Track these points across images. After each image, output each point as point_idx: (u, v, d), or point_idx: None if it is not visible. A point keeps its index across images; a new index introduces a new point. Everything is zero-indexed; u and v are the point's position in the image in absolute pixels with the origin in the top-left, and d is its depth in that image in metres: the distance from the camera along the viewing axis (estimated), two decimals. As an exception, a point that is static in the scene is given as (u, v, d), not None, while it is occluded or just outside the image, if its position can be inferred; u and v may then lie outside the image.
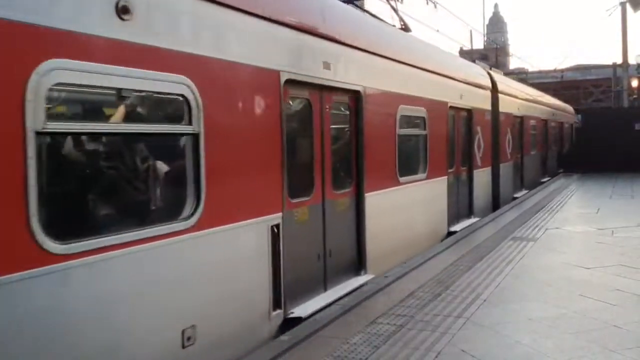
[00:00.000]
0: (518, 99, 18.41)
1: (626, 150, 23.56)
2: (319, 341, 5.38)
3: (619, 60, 34.36)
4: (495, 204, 15.22)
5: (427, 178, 10.17)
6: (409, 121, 9.58)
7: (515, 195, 17.42)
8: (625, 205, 15.23)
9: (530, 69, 54.56)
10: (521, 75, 42.44)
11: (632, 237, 10.30)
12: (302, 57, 6.37)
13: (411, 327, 5.70)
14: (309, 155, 6.74)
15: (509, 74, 37.03)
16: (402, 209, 9.07)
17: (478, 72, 14.78)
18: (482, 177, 13.95)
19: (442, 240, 10.65)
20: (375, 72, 8.19)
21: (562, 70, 51.22)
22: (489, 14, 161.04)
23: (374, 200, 7.92)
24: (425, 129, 10.11)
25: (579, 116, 28.86)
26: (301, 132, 6.83)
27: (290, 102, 6.35)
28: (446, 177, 11.30)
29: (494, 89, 15.24)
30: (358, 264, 7.74)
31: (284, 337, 5.46)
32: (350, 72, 7.44)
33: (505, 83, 17.28)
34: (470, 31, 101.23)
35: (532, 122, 20.52)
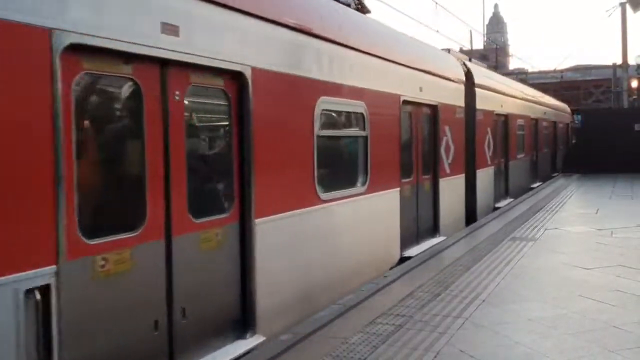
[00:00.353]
0: (502, 94, 16.28)
1: (626, 151, 23.59)
2: (317, 341, 5.37)
3: (619, 61, 34.37)
4: (471, 217, 12.94)
5: (368, 192, 7.86)
6: (337, 119, 7.53)
7: (497, 205, 15.23)
8: (625, 205, 15.22)
9: (530, 70, 54.68)
10: (521, 76, 42.45)
11: (632, 238, 10.30)
12: (110, 9, 4.02)
13: (410, 327, 5.69)
14: (135, 168, 4.43)
15: (508, 74, 37.06)
16: (325, 236, 6.77)
17: (447, 62, 12.33)
18: (451, 186, 11.52)
19: (392, 269, 8.47)
20: (275, 48, 5.92)
21: (562, 71, 51.27)
22: (489, 14, 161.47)
23: (271, 228, 5.68)
24: (364, 129, 7.83)
25: (579, 116, 28.84)
26: (117, 130, 4.52)
27: (87, 82, 4.07)
28: (399, 189, 8.99)
29: (470, 82, 13.02)
30: (243, 323, 5.42)
31: (283, 337, 5.45)
32: (222, 43, 5.15)
33: (484, 76, 15.19)
34: (470, 31, 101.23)
35: (520, 121, 18.55)
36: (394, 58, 8.92)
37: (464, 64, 13.42)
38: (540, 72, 52.46)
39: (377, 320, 5.94)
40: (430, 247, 9.80)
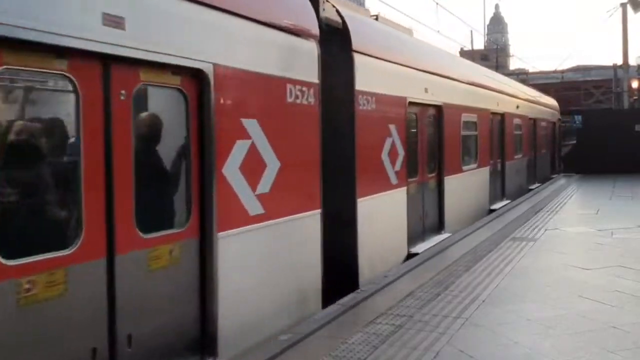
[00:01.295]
0: (428, 73, 10.25)
1: (626, 152, 23.60)
2: (317, 341, 5.39)
3: (620, 62, 34.36)
4: (345, 281, 7.30)
5: None
6: None
7: (414, 251, 9.28)
8: (625, 206, 15.23)
9: (531, 70, 54.71)
10: (522, 76, 42.49)
11: (632, 239, 10.30)
12: None
13: (410, 327, 5.70)
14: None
15: (509, 74, 37.05)
16: None
17: None
18: (271, 241, 5.69)
19: None
20: None
21: (562, 71, 51.27)
22: (489, 14, 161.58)
23: None
24: None
25: (579, 117, 28.77)
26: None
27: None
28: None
29: (342, 43, 7.44)
30: None
31: (283, 337, 5.46)
32: None
33: (384, 34, 9.43)
34: (471, 31, 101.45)
35: (469, 116, 12.59)
36: None
37: (336, 10, 7.42)
38: (541, 73, 52.48)
39: (376, 320, 5.94)
40: None
